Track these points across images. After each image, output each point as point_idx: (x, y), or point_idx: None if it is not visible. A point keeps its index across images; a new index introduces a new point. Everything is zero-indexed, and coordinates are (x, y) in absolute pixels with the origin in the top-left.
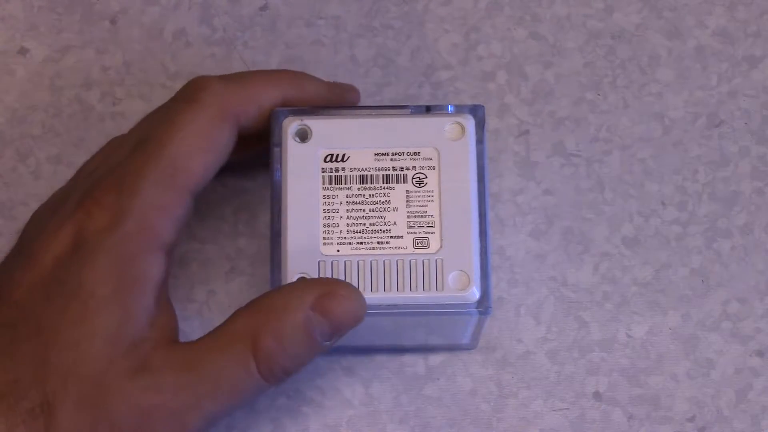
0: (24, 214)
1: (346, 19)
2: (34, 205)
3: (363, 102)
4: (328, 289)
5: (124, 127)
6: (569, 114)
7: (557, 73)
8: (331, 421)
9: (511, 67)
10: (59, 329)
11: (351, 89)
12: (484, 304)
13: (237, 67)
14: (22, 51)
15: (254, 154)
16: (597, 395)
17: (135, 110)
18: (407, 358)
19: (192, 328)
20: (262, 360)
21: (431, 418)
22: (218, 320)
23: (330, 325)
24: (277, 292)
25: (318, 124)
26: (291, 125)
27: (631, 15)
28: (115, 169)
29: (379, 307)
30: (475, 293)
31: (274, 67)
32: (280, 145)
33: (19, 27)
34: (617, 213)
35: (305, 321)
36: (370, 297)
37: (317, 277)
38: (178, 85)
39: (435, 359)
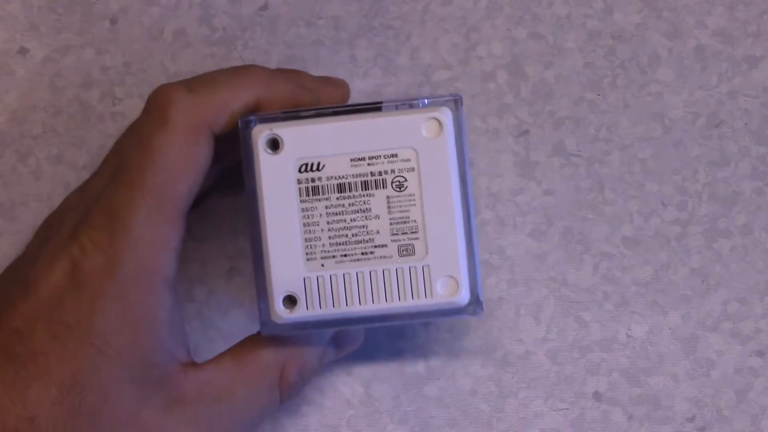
0: (24, 214)
1: (346, 19)
2: (34, 205)
3: (362, 101)
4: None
5: (124, 127)
6: (569, 114)
7: (557, 73)
8: (331, 421)
9: (511, 67)
10: (76, 374)
11: (337, 84)
12: (473, 307)
13: None
14: (22, 51)
15: (234, 162)
16: (597, 395)
17: (135, 110)
18: (407, 358)
19: (192, 328)
20: (286, 390)
21: (431, 418)
22: (218, 320)
23: (338, 354)
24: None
25: (289, 132)
26: (261, 135)
27: (631, 15)
28: (101, 198)
29: (368, 319)
30: (464, 297)
31: (273, 66)
32: (250, 156)
33: (19, 27)
34: (617, 213)
35: (323, 355)
36: (359, 309)
37: (304, 296)
38: None
39: (435, 359)
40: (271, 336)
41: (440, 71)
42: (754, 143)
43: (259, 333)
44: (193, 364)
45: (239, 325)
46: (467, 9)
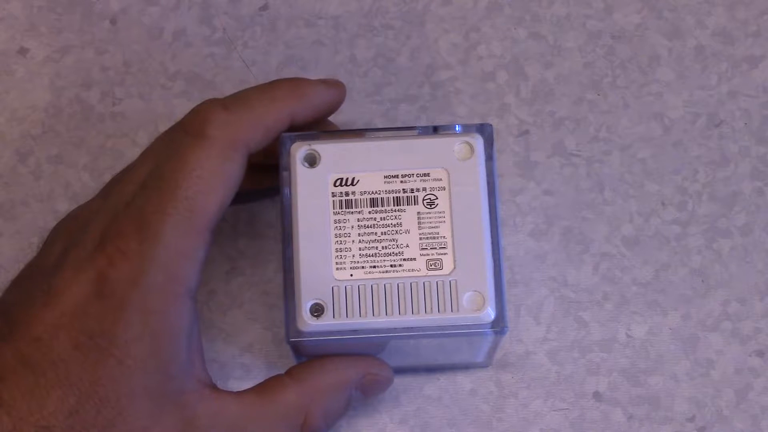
0: (24, 214)
1: (346, 19)
2: (34, 206)
3: (362, 101)
4: (368, 369)
5: (124, 127)
6: (569, 114)
7: (557, 73)
8: None
9: (511, 67)
10: (95, 385)
11: (338, 84)
12: (499, 324)
13: (237, 67)
14: (22, 51)
15: (265, 180)
16: (597, 395)
17: (135, 110)
18: None
19: None
20: None
21: (431, 418)
22: (218, 320)
23: (366, 399)
24: (324, 370)
25: (326, 149)
26: (299, 150)
27: (631, 15)
28: (130, 206)
29: (394, 330)
30: (490, 313)
31: (273, 67)
32: (288, 170)
33: (19, 27)
34: (617, 213)
35: (349, 399)
36: (385, 320)
37: (332, 304)
38: (178, 85)
39: None
40: (296, 343)
41: (440, 71)
42: (754, 143)
43: (284, 373)
44: (213, 389)
45: (239, 325)
46: (467, 9)
